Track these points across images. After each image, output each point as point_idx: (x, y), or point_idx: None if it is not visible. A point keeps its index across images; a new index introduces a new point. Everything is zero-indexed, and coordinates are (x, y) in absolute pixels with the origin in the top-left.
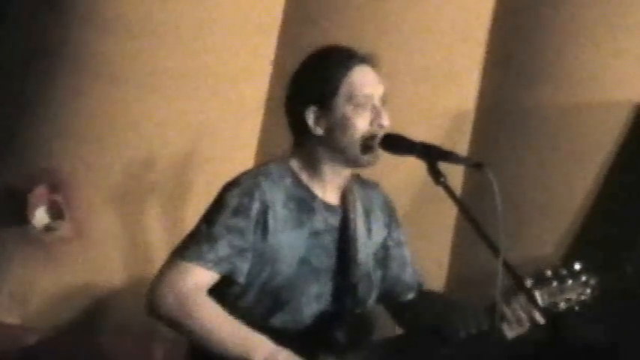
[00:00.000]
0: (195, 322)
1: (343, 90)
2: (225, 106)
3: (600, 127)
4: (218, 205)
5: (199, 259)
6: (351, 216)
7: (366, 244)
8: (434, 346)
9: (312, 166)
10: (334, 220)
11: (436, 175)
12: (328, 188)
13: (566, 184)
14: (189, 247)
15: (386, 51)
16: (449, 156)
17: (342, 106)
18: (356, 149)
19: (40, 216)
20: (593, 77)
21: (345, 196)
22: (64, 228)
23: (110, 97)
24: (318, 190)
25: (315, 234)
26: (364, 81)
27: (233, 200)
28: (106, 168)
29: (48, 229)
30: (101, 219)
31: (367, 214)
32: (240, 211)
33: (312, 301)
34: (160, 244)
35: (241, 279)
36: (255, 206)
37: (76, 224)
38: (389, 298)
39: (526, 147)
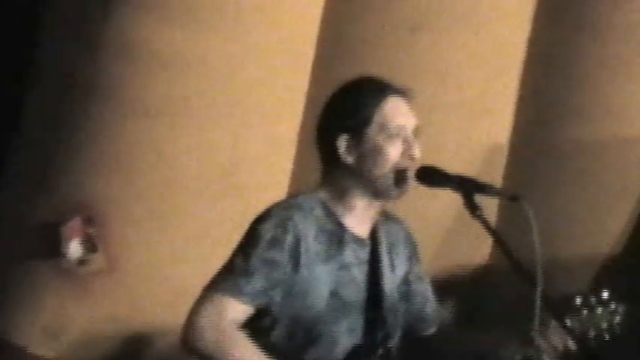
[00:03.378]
0: (231, 359)
1: (376, 119)
2: (258, 140)
3: (636, 161)
4: (252, 237)
5: (237, 292)
6: (379, 250)
7: (391, 277)
8: None
9: (342, 197)
10: (363, 254)
11: (472, 208)
12: (358, 221)
13: (601, 218)
14: (226, 281)
15: (421, 85)
16: (485, 188)
17: (374, 136)
18: (386, 180)
19: (74, 249)
20: (628, 111)
21: (374, 230)
22: (98, 261)
23: (143, 131)
24: (348, 222)
25: (345, 267)
26: (397, 112)
27: (267, 233)
28: (139, 201)
29: (81, 262)
30: (134, 252)
31: (390, 247)
32: (275, 243)
33: (344, 335)
34: (194, 277)
35: (276, 310)
36: (289, 239)
37: (109, 257)
38: (411, 333)
39: (561, 180)
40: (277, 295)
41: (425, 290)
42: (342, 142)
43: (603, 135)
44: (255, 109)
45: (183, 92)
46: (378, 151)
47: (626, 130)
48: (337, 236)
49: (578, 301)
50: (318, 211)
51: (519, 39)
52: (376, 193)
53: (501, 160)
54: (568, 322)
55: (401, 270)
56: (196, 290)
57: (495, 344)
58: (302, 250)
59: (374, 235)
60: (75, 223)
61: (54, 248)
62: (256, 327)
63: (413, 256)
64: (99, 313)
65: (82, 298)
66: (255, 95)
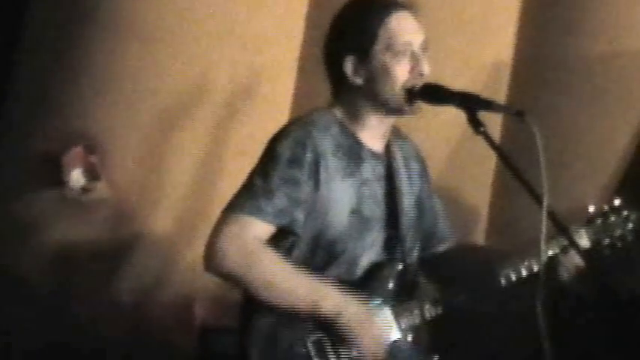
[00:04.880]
0: (259, 274)
1: (381, 38)
2: (257, 65)
3: None
4: (271, 156)
5: (258, 212)
6: (395, 165)
7: (409, 192)
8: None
9: (356, 115)
10: (380, 169)
11: (476, 125)
12: (373, 136)
13: (607, 132)
14: (246, 201)
15: (420, 5)
16: (489, 105)
17: (380, 55)
18: (397, 99)
19: (76, 177)
20: (633, 25)
21: (388, 145)
22: (101, 189)
23: (143, 56)
24: (364, 138)
25: (365, 183)
26: (403, 28)
27: (286, 151)
28: (139, 128)
29: (84, 190)
30: (136, 179)
31: (405, 163)
32: (295, 161)
33: (365, 252)
34: (197, 201)
35: (299, 230)
36: (309, 156)
37: (112, 185)
38: (425, 249)
39: (566, 97)
40: (299, 214)
41: (437, 206)
42: (349, 64)
43: (610, 49)
44: (254, 33)
45: (181, 16)
46: (385, 71)
47: (633, 43)
48: (355, 152)
49: (592, 210)
50: (334, 128)
51: None
52: (388, 111)
53: (505, 78)
54: (583, 232)
55: (416, 185)
56: (199, 214)
57: (499, 260)
58: (322, 167)
59: (388, 150)
60: (76, 152)
61: (56, 177)
62: (277, 247)
63: (424, 171)
64: (104, 242)
65: (87, 225)
66: (254, 19)
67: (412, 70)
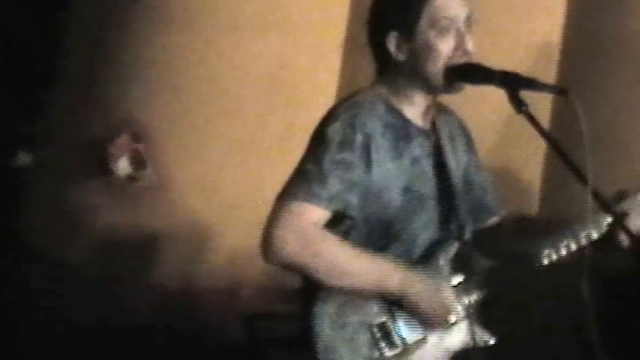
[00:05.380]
0: (322, 259)
1: (426, 14)
2: (302, 51)
3: None
4: (321, 141)
5: (312, 198)
6: (442, 141)
7: (457, 167)
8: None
9: (400, 92)
10: (428, 145)
11: (518, 104)
12: (419, 113)
13: None
14: (300, 188)
15: None
16: (531, 83)
17: (424, 31)
18: (440, 77)
19: (123, 166)
20: None
21: (434, 121)
22: (147, 177)
23: (187, 44)
24: (410, 115)
25: (415, 161)
26: (447, 4)
27: (336, 134)
28: (185, 115)
29: (131, 178)
30: (183, 166)
31: (451, 138)
32: (345, 144)
33: (422, 230)
34: (244, 187)
35: (354, 213)
36: (359, 138)
37: (158, 173)
38: (476, 223)
39: (617, 77)
40: (353, 198)
41: (484, 179)
42: (392, 40)
43: None
44: (299, 19)
45: (226, 5)
46: (429, 48)
47: None
48: (403, 130)
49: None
50: (380, 108)
51: None
52: (432, 88)
53: (554, 58)
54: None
55: (462, 160)
56: (246, 200)
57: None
58: (372, 148)
59: (434, 126)
60: (122, 140)
61: (103, 165)
62: (334, 231)
63: (470, 146)
64: (150, 229)
65: (133, 214)
66: (298, 3)
67: (457, 47)
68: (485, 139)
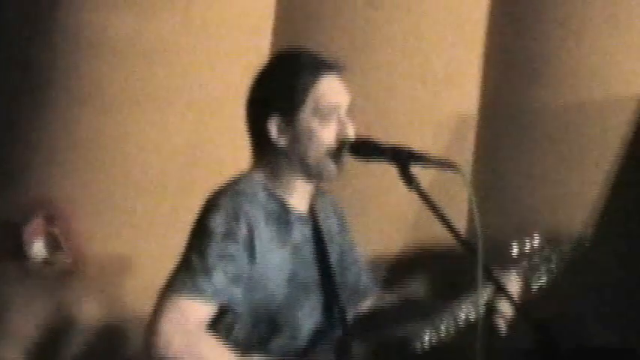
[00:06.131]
0: None
1: (310, 100)
2: (218, 132)
3: (606, 124)
4: (204, 233)
5: (198, 293)
6: (319, 225)
7: (334, 251)
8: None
9: (280, 177)
10: (307, 231)
11: (408, 180)
12: (299, 198)
13: (574, 182)
14: (184, 282)
15: (383, 58)
16: (421, 158)
17: (307, 118)
18: (321, 163)
19: (38, 250)
20: (596, 74)
21: (312, 205)
22: (63, 260)
23: (101, 123)
24: (290, 201)
25: (297, 248)
26: (332, 91)
27: (220, 226)
28: (100, 195)
29: (47, 262)
30: (99, 248)
31: (328, 222)
32: (229, 236)
33: (307, 318)
34: (161, 270)
35: (238, 307)
36: (242, 229)
37: (75, 255)
38: (351, 304)
39: (532, 146)
40: (238, 291)
41: (358, 260)
42: (274, 124)
43: (574, 98)
44: (216, 99)
45: (141, 82)
46: (311, 134)
47: (597, 92)
48: (284, 218)
49: (515, 251)
50: (261, 195)
51: (482, 2)
52: (311, 175)
53: (471, 130)
54: (514, 275)
55: (337, 242)
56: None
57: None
58: (256, 239)
59: (312, 210)
60: (37, 223)
61: (18, 249)
62: (218, 325)
63: (343, 225)
64: (67, 312)
65: (50, 298)
66: (214, 85)
67: (338, 133)
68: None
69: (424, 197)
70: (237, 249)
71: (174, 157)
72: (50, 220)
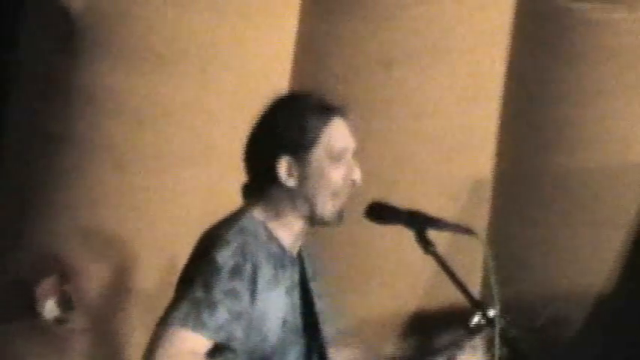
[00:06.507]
0: None
1: (322, 142)
2: (233, 190)
3: (625, 188)
4: (212, 267)
5: (199, 326)
6: (306, 269)
7: (316, 295)
8: None
9: (279, 217)
10: (296, 274)
11: (425, 244)
12: (293, 241)
13: (590, 247)
14: (188, 314)
15: (398, 120)
16: (437, 223)
17: (319, 159)
18: (326, 205)
19: (50, 308)
20: (613, 137)
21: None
22: (76, 318)
23: (114, 181)
24: (285, 242)
25: (289, 291)
26: (342, 134)
27: (228, 261)
28: (115, 254)
29: (59, 321)
30: (115, 305)
31: (311, 265)
32: (236, 272)
33: None
34: None
35: (237, 345)
36: (248, 268)
37: (88, 315)
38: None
39: (548, 212)
40: (238, 329)
41: (328, 308)
42: (283, 164)
43: (590, 164)
44: (230, 160)
45: (153, 141)
46: (321, 176)
47: (613, 157)
48: (280, 259)
49: (474, 322)
50: (263, 235)
51: (497, 69)
52: (315, 217)
53: (486, 193)
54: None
55: (317, 287)
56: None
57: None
58: (259, 278)
59: (299, 254)
60: (50, 281)
61: (30, 308)
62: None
63: (319, 271)
64: None
65: (61, 356)
66: (228, 145)
67: (346, 177)
68: None
69: (440, 262)
70: (242, 286)
71: (190, 215)
72: (63, 278)
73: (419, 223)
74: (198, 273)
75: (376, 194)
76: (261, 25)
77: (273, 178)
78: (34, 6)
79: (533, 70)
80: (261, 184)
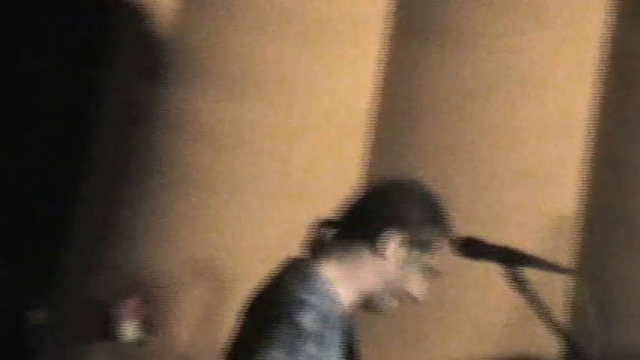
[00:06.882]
0: None
1: (431, 250)
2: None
3: None
4: (295, 330)
5: None
6: (354, 336)
7: None
8: None
9: (352, 281)
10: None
11: (517, 283)
12: (349, 306)
13: None
14: None
15: (484, 153)
16: (532, 261)
17: (419, 261)
18: (386, 299)
19: (129, 330)
20: None
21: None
22: (156, 342)
23: (197, 207)
24: (346, 307)
25: (345, 355)
26: (441, 254)
27: (311, 326)
28: (197, 278)
29: (138, 343)
30: (194, 331)
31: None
32: (318, 338)
33: None
34: None
35: None
36: (328, 332)
37: (167, 338)
38: None
39: (629, 251)
40: None
41: None
42: (397, 240)
43: None
44: (309, 186)
45: (233, 165)
46: (410, 274)
47: None
48: (342, 323)
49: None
50: (334, 297)
51: (583, 103)
52: (368, 299)
53: (569, 229)
54: None
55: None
56: None
57: None
58: (334, 344)
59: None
60: (132, 303)
61: (110, 329)
62: None
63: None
64: None
65: None
66: (308, 171)
67: (415, 290)
68: None
69: (533, 301)
70: (321, 352)
71: (267, 241)
72: (145, 300)
73: (513, 260)
74: (280, 334)
75: (457, 226)
76: (344, 52)
77: (369, 247)
78: (121, 31)
79: (624, 105)
80: (356, 245)
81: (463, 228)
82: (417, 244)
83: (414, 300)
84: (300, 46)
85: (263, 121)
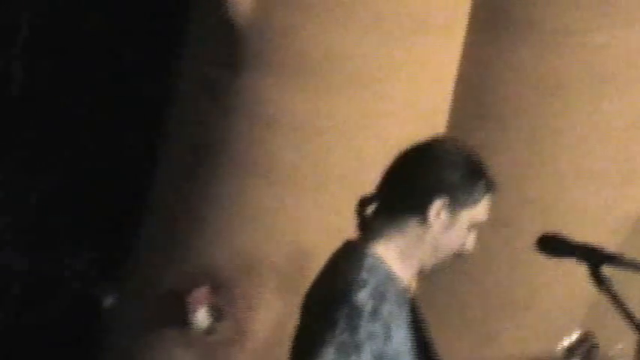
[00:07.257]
0: None
1: (476, 207)
2: None
3: None
4: (353, 309)
5: None
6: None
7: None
8: None
9: (403, 255)
10: (410, 313)
11: (599, 281)
12: (409, 280)
13: None
14: (337, 358)
15: (563, 151)
16: (615, 259)
17: (464, 220)
18: (432, 260)
19: (201, 318)
20: None
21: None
22: (226, 329)
23: (269, 199)
24: (405, 281)
25: (410, 330)
26: (487, 210)
27: (368, 303)
28: (266, 267)
29: (209, 331)
30: (264, 319)
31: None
32: (375, 315)
33: None
34: None
35: None
36: (386, 308)
37: (238, 325)
38: None
39: None
40: None
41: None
42: (438, 206)
43: None
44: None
45: (312, 159)
46: (457, 234)
47: None
48: (405, 298)
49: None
50: (392, 274)
51: None
52: (426, 271)
53: None
54: None
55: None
56: None
57: None
58: (393, 318)
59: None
60: (201, 292)
61: (181, 318)
62: None
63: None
64: None
65: None
66: (379, 164)
67: (464, 244)
68: None
69: (616, 300)
70: (380, 328)
71: (336, 235)
72: (214, 289)
73: (595, 258)
74: (340, 315)
75: (533, 224)
76: (430, 45)
77: (417, 215)
78: (199, 17)
79: None
80: (402, 218)
81: (543, 227)
82: (462, 204)
83: (462, 253)
84: (380, 36)
85: (341, 112)
